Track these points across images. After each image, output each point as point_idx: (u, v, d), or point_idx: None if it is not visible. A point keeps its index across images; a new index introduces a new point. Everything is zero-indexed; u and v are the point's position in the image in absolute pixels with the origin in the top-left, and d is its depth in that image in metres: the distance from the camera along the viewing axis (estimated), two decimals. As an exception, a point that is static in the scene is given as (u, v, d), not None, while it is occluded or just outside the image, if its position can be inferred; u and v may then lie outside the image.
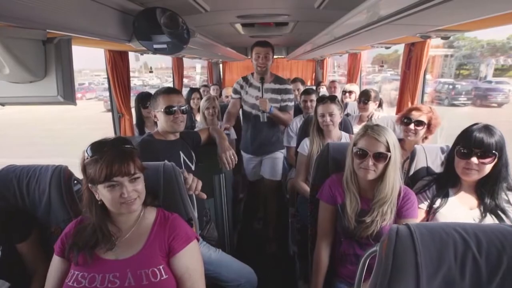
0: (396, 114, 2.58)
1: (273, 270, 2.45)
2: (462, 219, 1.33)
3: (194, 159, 1.80)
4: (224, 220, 2.14)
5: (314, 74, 6.80)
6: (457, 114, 13.14)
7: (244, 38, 3.51)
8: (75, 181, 1.39)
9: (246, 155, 2.76)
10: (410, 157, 1.61)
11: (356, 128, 2.58)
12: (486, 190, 1.32)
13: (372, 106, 2.77)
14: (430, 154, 1.58)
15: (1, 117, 12.58)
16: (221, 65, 6.90)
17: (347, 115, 3.06)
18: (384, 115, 2.82)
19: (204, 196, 1.40)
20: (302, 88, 3.77)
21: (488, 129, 1.26)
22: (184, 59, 4.58)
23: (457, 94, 16.84)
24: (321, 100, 2.08)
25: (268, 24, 2.86)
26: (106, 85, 2.69)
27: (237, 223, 2.80)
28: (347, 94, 3.71)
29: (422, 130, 1.92)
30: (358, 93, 3.74)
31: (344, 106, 3.27)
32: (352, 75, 4.37)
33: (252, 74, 2.57)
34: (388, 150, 1.28)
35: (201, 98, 3.40)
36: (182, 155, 1.73)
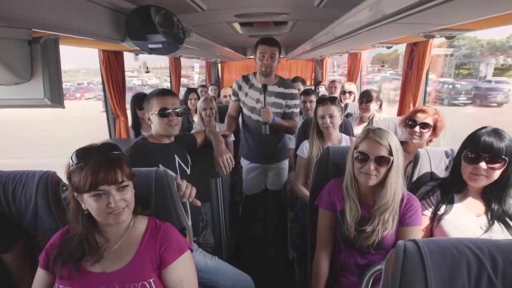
0: (398, 115, 2.52)
1: (271, 276, 2.39)
2: (469, 227, 1.28)
3: (190, 163, 1.74)
4: (221, 225, 2.08)
5: (313, 74, 6.74)
6: (459, 114, 13.09)
7: (242, 38, 3.45)
8: (64, 188, 1.33)
9: (247, 164, 2.52)
10: (413, 161, 1.55)
11: (357, 129, 2.53)
12: (493, 196, 1.27)
13: (374, 106, 2.69)
14: (434, 158, 1.52)
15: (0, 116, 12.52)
16: (219, 65, 6.83)
17: (347, 115, 3.00)
18: (385, 116, 2.76)
19: (198, 203, 1.34)
20: (303, 89, 3.67)
21: (497, 133, 1.21)
22: (183, 59, 4.52)
23: (457, 94, 16.82)
24: (321, 101, 2.02)
25: (266, 23, 2.79)
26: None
27: (235, 227, 2.74)
28: (347, 94, 3.64)
29: (427, 133, 1.85)
30: (356, 93, 3.69)
31: (344, 107, 3.21)
32: (352, 75, 4.31)
33: (254, 74, 2.37)
34: (391, 154, 1.22)
35: (199, 99, 3.34)
36: (177, 158, 1.67)
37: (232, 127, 2.44)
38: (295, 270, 2.04)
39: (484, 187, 1.28)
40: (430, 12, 1.25)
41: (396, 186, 1.24)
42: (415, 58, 2.29)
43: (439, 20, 1.38)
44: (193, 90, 3.63)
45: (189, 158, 1.75)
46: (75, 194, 0.99)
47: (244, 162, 2.55)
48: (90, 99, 20.21)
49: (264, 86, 2.21)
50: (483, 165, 1.20)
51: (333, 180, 1.42)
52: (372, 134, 1.25)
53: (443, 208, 1.33)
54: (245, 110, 2.39)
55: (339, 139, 2.05)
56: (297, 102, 2.37)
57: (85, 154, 0.99)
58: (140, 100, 2.45)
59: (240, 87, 2.39)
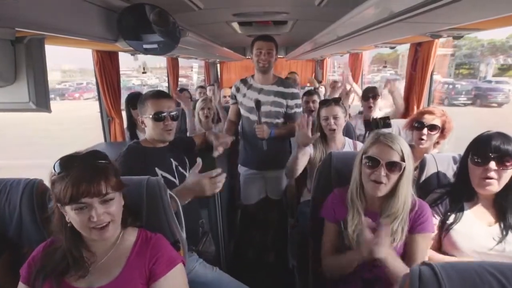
0: (402, 118, 2.44)
1: (271, 284, 2.32)
2: (480, 237, 1.21)
3: (188, 166, 1.66)
4: (219, 231, 2.00)
5: (314, 74, 6.67)
6: (462, 114, 13.03)
7: (241, 38, 3.37)
8: (52, 197, 1.25)
9: (244, 171, 2.40)
10: (420, 167, 1.48)
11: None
12: (506, 204, 1.20)
13: (380, 103, 2.58)
14: (441, 164, 1.46)
15: (-1, 116, 12.44)
16: (218, 65, 6.75)
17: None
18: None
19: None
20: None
21: (503, 135, 1.17)
22: (182, 59, 4.45)
23: (457, 94, 16.76)
24: (325, 102, 1.94)
25: (266, 22, 2.72)
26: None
27: (234, 232, 2.67)
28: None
29: (435, 135, 1.78)
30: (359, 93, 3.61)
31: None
32: (353, 75, 4.23)
33: (253, 76, 2.29)
34: (403, 159, 1.15)
35: (191, 98, 3.26)
36: (174, 162, 1.60)
37: (231, 131, 2.35)
38: (295, 278, 1.97)
39: (495, 194, 1.21)
40: (439, 11, 1.18)
41: (407, 194, 1.17)
42: (419, 58, 2.21)
43: (448, 19, 1.31)
44: (185, 90, 3.56)
45: (187, 160, 1.68)
46: (58, 205, 0.92)
47: (241, 169, 2.44)
48: (89, 99, 20.14)
49: (258, 102, 2.09)
50: (492, 165, 1.15)
51: (336, 190, 1.34)
52: (383, 138, 1.17)
53: (452, 217, 1.26)
54: (243, 111, 2.30)
55: (342, 143, 1.97)
56: (299, 101, 2.27)
57: (68, 163, 0.92)
58: (135, 99, 2.36)
59: (238, 89, 2.31)
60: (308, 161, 1.97)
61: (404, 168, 1.15)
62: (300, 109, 2.28)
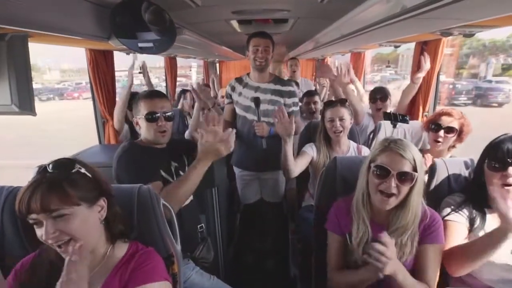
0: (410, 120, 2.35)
1: None
2: (502, 249, 1.12)
3: (187, 168, 1.58)
4: (217, 237, 1.92)
5: (314, 74, 6.58)
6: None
7: (241, 36, 3.27)
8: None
9: (239, 171, 2.34)
10: (430, 172, 1.40)
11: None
12: None
13: (389, 105, 2.47)
14: (453, 169, 1.37)
15: (-3, 116, 12.38)
16: (217, 65, 6.66)
17: None
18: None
19: None
20: (297, 90, 3.50)
21: None
22: (181, 58, 4.36)
23: (457, 94, 16.67)
24: (330, 103, 1.85)
25: (266, 21, 2.63)
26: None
27: (233, 235, 2.58)
28: None
29: (452, 138, 1.70)
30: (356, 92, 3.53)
31: None
32: (355, 75, 4.14)
33: (248, 74, 2.22)
34: (415, 169, 1.06)
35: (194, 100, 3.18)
36: (173, 163, 1.51)
37: None
38: (296, 287, 1.88)
39: None
40: (452, 7, 1.10)
41: (418, 206, 1.09)
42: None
43: (461, 15, 1.23)
44: (187, 91, 3.44)
45: (186, 162, 1.60)
46: None
47: (236, 170, 2.38)
48: (88, 99, 19.95)
49: (257, 99, 2.04)
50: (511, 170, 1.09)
51: (340, 200, 1.25)
52: (394, 145, 1.08)
53: (477, 223, 1.19)
54: (239, 111, 2.22)
55: (348, 146, 1.89)
56: (296, 100, 2.21)
57: (37, 174, 0.84)
58: (131, 100, 2.27)
59: (233, 88, 2.24)
60: (310, 164, 1.89)
61: (416, 178, 1.06)
62: (297, 108, 2.22)
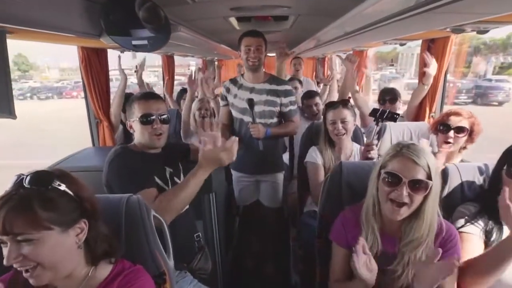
0: (414, 120, 2.26)
1: None
2: None
3: (183, 174, 1.49)
4: (215, 245, 1.83)
5: (314, 73, 6.49)
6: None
7: (239, 34, 3.19)
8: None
9: (236, 174, 2.27)
10: (442, 178, 1.30)
11: None
12: None
13: (399, 107, 2.38)
14: (466, 175, 1.29)
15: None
16: (216, 63, 6.56)
17: None
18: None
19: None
20: (300, 88, 3.40)
21: None
22: (180, 57, 4.26)
23: (458, 93, 16.61)
24: (331, 105, 1.77)
25: (266, 18, 2.54)
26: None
27: (232, 240, 2.49)
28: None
29: (463, 138, 1.61)
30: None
31: None
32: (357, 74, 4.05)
33: (242, 75, 2.15)
34: (429, 177, 0.97)
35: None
36: (168, 169, 1.42)
37: (225, 135, 2.16)
38: (298, 296, 1.80)
39: None
40: (466, 2, 1.02)
41: (433, 217, 1.00)
42: (432, 56, 2.03)
43: (477, 9, 1.14)
44: (184, 90, 3.34)
45: (181, 168, 1.51)
46: None
47: (234, 173, 2.31)
48: (87, 98, 19.86)
49: (250, 101, 1.97)
50: None
51: (347, 209, 1.16)
52: (406, 150, 0.99)
53: (493, 236, 1.11)
54: (235, 113, 2.14)
55: (351, 149, 1.80)
56: (293, 98, 2.12)
57: (12, 186, 0.75)
58: (125, 101, 2.18)
59: (228, 90, 2.15)
60: (321, 163, 1.80)
61: (431, 187, 0.97)
62: (295, 106, 2.14)
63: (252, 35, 2.02)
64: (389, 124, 1.99)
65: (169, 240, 1.03)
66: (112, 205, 0.92)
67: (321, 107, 2.57)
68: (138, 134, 1.38)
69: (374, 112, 1.71)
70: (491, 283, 1.03)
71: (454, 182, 1.27)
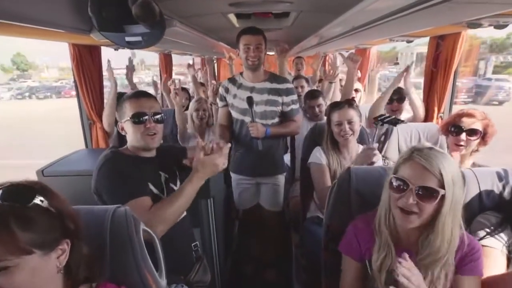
0: (423, 121, 2.17)
1: None
2: None
3: (179, 180, 1.40)
4: (214, 254, 1.73)
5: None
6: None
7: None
8: None
9: (236, 176, 2.18)
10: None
11: None
12: None
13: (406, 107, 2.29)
14: (484, 181, 1.19)
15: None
16: (215, 62, 6.47)
17: None
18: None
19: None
20: (307, 88, 3.29)
21: None
22: (179, 56, 4.17)
23: (458, 92, 16.55)
24: (336, 105, 1.67)
25: (266, 14, 2.44)
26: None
27: (231, 245, 2.40)
28: (353, 92, 3.26)
29: (475, 141, 1.52)
30: (362, 91, 3.36)
31: None
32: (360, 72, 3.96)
33: (241, 73, 2.06)
34: (442, 186, 0.88)
35: (190, 99, 3.00)
36: (163, 174, 1.33)
37: (226, 137, 2.06)
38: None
39: None
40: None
41: (453, 231, 0.90)
42: (441, 54, 1.94)
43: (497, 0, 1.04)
44: (184, 89, 3.25)
45: (178, 173, 1.41)
46: None
47: (233, 176, 2.21)
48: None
49: (249, 99, 1.88)
50: None
51: (359, 218, 1.06)
52: (418, 155, 0.90)
53: None
54: (235, 114, 2.05)
55: (357, 151, 1.70)
56: (295, 97, 2.04)
57: None
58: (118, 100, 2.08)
59: (227, 90, 2.05)
60: (325, 164, 1.70)
61: (444, 197, 0.88)
62: (297, 105, 2.05)
63: (252, 33, 1.92)
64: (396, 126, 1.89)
65: (161, 256, 0.93)
66: (97, 219, 0.82)
67: (324, 108, 2.47)
68: (130, 135, 1.28)
69: (376, 118, 1.62)
70: None
71: (471, 188, 1.18)
